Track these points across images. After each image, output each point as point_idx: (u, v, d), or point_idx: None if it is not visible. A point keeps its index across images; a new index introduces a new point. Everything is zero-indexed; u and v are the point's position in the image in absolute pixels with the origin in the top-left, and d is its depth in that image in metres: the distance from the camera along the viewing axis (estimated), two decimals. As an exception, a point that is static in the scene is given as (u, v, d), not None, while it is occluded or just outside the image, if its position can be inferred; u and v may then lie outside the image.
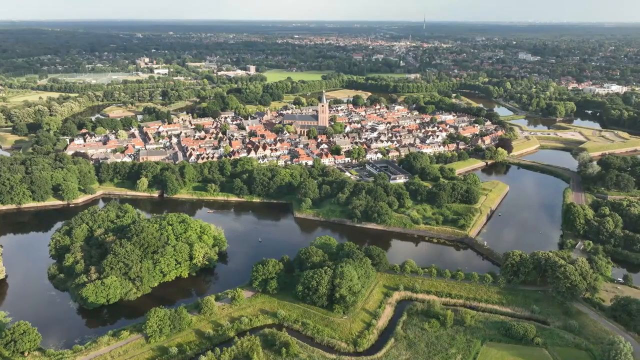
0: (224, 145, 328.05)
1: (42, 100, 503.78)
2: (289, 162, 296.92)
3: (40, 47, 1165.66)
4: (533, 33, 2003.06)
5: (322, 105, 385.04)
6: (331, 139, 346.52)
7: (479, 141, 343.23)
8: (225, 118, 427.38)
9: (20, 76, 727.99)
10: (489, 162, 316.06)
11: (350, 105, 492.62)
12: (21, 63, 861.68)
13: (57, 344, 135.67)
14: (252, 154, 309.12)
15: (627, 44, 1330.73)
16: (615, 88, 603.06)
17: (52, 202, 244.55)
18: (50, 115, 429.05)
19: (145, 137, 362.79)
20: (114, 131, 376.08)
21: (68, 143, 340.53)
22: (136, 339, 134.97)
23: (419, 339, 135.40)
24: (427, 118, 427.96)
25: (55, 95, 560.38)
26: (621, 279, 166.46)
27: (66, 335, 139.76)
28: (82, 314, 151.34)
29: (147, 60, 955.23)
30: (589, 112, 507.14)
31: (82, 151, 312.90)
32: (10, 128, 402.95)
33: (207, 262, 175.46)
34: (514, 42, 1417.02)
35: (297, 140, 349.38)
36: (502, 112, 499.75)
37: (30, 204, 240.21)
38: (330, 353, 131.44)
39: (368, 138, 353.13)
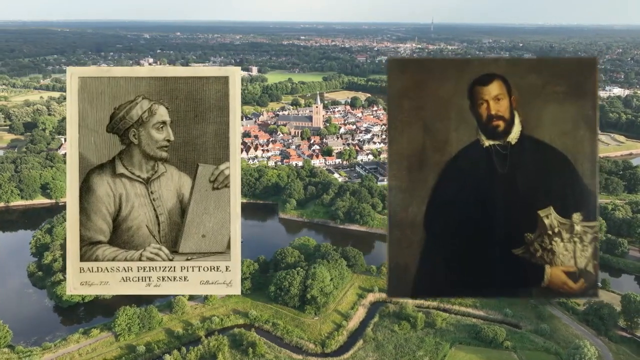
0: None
1: (42, 100, 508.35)
2: (280, 163, 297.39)
3: (48, 47, 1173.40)
4: (542, 35, 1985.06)
5: (317, 107, 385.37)
6: (324, 140, 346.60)
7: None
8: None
9: (25, 76, 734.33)
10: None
11: (348, 107, 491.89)
12: (27, 63, 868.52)
13: (29, 341, 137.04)
14: (244, 155, 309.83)
15: (635, 46, 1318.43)
16: (617, 91, 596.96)
17: (41, 200, 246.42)
18: (49, 114, 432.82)
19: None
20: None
21: (63, 142, 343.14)
22: (106, 337, 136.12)
23: (388, 341, 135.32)
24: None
25: (57, 94, 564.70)
26: (599, 284, 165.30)
27: (38, 333, 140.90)
28: (57, 312, 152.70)
29: (150, 60, 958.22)
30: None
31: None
32: (8, 127, 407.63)
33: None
34: (521, 44, 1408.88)
35: (290, 141, 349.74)
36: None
37: (18, 202, 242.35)
38: (298, 354, 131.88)
39: (361, 139, 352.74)
